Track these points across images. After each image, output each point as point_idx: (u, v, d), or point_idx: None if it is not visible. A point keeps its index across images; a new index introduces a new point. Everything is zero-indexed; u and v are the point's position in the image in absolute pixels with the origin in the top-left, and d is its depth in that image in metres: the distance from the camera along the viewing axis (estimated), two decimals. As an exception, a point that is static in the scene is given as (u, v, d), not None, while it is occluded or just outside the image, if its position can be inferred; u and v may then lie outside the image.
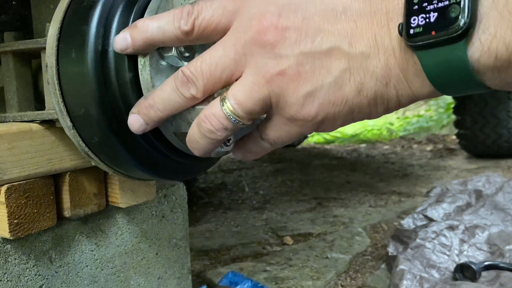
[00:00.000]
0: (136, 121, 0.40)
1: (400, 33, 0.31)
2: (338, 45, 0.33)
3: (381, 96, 0.34)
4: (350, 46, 0.33)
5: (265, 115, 0.38)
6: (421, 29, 0.30)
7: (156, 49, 0.42)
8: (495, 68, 0.30)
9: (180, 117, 0.41)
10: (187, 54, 0.43)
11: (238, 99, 0.35)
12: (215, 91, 0.37)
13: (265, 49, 0.34)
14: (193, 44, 0.43)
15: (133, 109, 0.41)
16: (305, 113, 0.35)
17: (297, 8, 0.34)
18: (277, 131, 0.37)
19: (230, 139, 0.43)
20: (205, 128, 0.37)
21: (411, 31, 0.30)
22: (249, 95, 0.35)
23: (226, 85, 0.37)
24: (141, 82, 0.42)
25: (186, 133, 0.40)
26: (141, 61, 0.42)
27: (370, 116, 0.36)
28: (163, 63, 0.42)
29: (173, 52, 0.42)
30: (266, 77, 0.34)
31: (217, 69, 0.36)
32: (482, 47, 0.29)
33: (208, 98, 0.38)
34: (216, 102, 0.36)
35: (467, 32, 0.29)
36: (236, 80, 0.36)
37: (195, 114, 0.39)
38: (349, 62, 0.33)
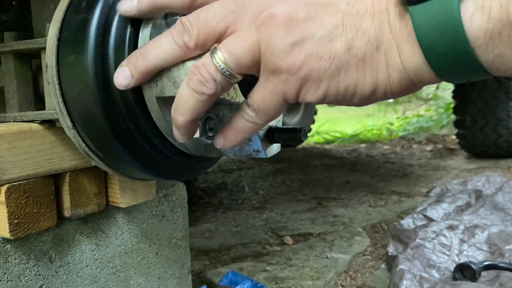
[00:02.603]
0: (121, 72, 0.39)
1: None
2: (336, 2, 0.33)
3: (370, 59, 0.33)
4: (348, 5, 0.33)
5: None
6: None
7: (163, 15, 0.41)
8: (487, 32, 0.29)
9: (167, 75, 0.39)
10: None
11: (229, 48, 0.35)
12: (208, 44, 0.36)
13: None
14: None
15: (123, 62, 0.40)
16: (290, 63, 0.33)
17: None
18: (261, 91, 0.36)
19: (212, 128, 0.43)
20: (194, 80, 0.35)
21: None
22: (240, 44, 0.34)
23: (220, 39, 0.36)
24: (139, 39, 0.42)
25: (170, 103, 0.39)
26: (142, 32, 0.42)
27: (357, 87, 0.34)
28: (167, 28, 0.42)
29: (178, 16, 0.41)
30: (257, 23, 0.34)
31: (214, 18, 0.36)
32: (476, 4, 0.29)
33: (200, 55, 0.37)
34: (207, 54, 0.36)
35: None
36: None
37: (184, 72, 0.38)
38: (344, 18, 0.33)
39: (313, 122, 3.81)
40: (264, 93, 0.36)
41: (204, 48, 0.37)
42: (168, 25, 0.42)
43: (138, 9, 0.40)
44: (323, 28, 0.33)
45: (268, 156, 0.45)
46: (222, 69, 0.35)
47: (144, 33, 0.42)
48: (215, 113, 0.44)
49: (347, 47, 0.33)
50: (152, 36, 0.41)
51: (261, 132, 0.44)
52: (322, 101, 0.36)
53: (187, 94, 0.36)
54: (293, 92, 0.35)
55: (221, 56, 0.35)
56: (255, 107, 0.36)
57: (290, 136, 0.44)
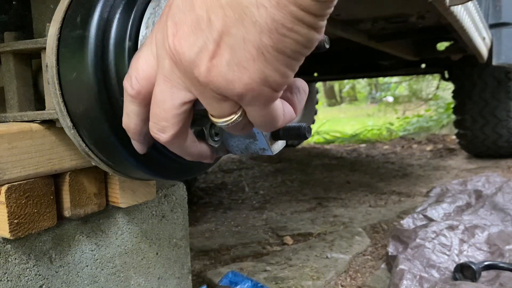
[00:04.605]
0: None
1: None
2: None
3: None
4: None
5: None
6: None
7: None
8: None
9: None
10: None
11: None
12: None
13: None
14: None
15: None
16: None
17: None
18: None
19: (217, 133, 0.44)
20: None
21: None
22: None
23: None
24: (139, 37, 0.43)
25: None
26: (142, 32, 0.42)
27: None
28: None
29: None
30: None
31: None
32: None
33: None
34: None
35: None
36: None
37: None
38: None
39: (313, 122, 3.82)
40: None
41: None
42: None
43: (143, 148, 0.42)
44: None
45: (274, 154, 0.46)
46: None
47: (144, 32, 0.42)
48: None
49: None
50: None
51: None
52: None
53: None
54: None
55: None
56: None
57: (295, 133, 0.44)
